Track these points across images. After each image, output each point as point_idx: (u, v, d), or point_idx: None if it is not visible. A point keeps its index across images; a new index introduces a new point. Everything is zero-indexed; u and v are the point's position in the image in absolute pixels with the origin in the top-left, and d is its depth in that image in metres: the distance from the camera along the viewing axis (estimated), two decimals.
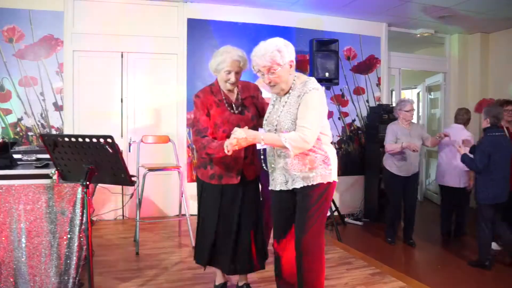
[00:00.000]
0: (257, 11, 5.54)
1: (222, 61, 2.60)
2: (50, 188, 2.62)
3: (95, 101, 5.03)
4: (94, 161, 2.16)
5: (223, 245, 2.77)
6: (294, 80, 2.35)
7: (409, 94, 8.98)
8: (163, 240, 4.31)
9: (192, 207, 5.37)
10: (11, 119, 4.75)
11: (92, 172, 2.17)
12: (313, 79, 2.36)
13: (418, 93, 7.78)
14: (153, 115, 5.29)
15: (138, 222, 3.93)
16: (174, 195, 5.21)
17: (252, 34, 5.49)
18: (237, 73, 2.63)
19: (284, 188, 2.43)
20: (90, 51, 4.98)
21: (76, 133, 4.84)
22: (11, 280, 2.57)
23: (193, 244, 4.02)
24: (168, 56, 5.31)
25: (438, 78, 6.88)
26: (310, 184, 2.33)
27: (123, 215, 5.18)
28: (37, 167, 2.81)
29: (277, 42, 2.29)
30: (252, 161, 2.77)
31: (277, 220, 2.57)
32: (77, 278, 2.67)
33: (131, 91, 5.18)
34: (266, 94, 3.60)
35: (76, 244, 2.65)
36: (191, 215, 5.20)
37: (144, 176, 3.97)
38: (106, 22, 5.02)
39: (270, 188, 2.54)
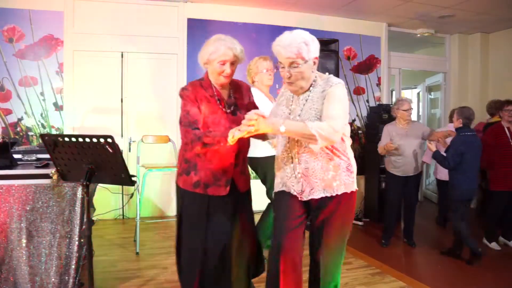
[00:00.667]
0: (257, 11, 5.54)
1: (215, 50, 2.24)
2: (50, 188, 2.62)
3: (95, 101, 5.04)
4: (94, 161, 2.16)
5: (215, 273, 2.34)
6: (315, 78, 2.10)
7: (409, 94, 8.98)
8: (163, 240, 4.31)
9: None
10: (11, 119, 4.75)
11: (92, 172, 2.17)
12: (334, 76, 2.13)
13: (418, 93, 7.78)
14: (153, 115, 5.29)
15: (138, 222, 3.92)
16: (174, 195, 5.20)
17: (252, 34, 5.50)
18: (233, 64, 2.28)
19: (297, 196, 2.13)
20: (90, 51, 4.98)
21: (76, 133, 4.84)
22: (11, 280, 2.57)
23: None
24: (168, 56, 5.31)
25: (438, 78, 6.88)
26: (333, 194, 2.05)
27: (123, 215, 5.18)
28: (37, 167, 2.81)
29: (304, 35, 2.02)
30: (244, 170, 2.44)
31: (279, 225, 2.21)
32: (77, 278, 2.67)
33: (131, 91, 5.18)
34: (256, 97, 3.60)
35: (76, 244, 2.65)
36: None
37: (144, 176, 3.98)
38: (106, 22, 5.03)
39: (275, 190, 2.23)
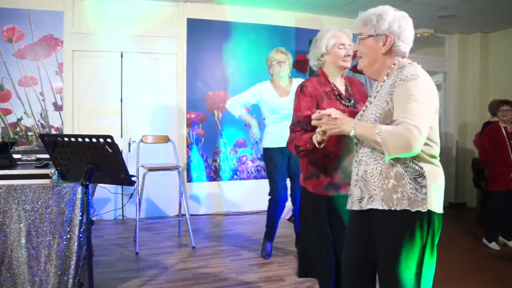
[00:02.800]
0: (257, 11, 5.54)
1: (331, 36, 2.22)
2: (49, 188, 2.62)
3: (95, 101, 5.03)
4: (93, 161, 2.16)
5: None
6: (394, 64, 1.77)
7: None
8: (163, 240, 4.31)
9: (191, 207, 5.39)
10: (11, 119, 4.75)
11: (92, 172, 2.17)
12: (415, 64, 1.75)
13: None
14: (152, 115, 5.29)
15: (138, 222, 3.92)
16: (174, 195, 5.21)
17: (252, 34, 5.50)
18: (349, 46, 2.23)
19: (357, 207, 1.77)
20: (89, 51, 4.98)
21: (75, 133, 4.84)
22: (11, 280, 2.57)
23: (193, 244, 4.03)
24: (168, 56, 5.31)
25: (438, 78, 6.88)
26: (392, 208, 1.63)
27: (123, 215, 5.18)
28: (36, 167, 2.81)
29: (386, 9, 1.72)
30: None
31: (347, 253, 1.87)
32: (77, 278, 2.66)
33: (131, 91, 5.18)
34: (269, 95, 3.65)
35: (75, 244, 2.64)
36: (191, 215, 5.20)
37: (144, 176, 3.97)
38: (106, 22, 5.03)
39: (347, 207, 1.88)
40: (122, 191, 5.12)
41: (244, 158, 5.61)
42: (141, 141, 4.26)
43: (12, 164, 2.89)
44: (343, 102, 2.23)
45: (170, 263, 3.61)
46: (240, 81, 5.50)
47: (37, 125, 4.84)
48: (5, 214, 2.55)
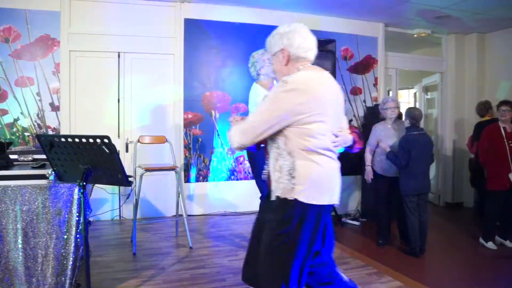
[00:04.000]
0: (254, 11, 5.54)
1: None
2: (46, 188, 2.61)
3: (92, 101, 5.02)
4: (91, 161, 2.15)
5: None
6: (298, 70, 1.98)
7: (406, 94, 9.02)
8: (160, 241, 4.31)
9: (188, 207, 5.38)
10: (8, 119, 4.74)
11: (89, 172, 2.17)
12: (304, 70, 1.96)
13: (415, 93, 7.80)
14: (150, 116, 5.29)
15: (135, 223, 3.92)
16: (171, 195, 5.20)
17: (249, 34, 5.50)
18: None
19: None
20: (86, 51, 4.97)
21: (72, 133, 4.82)
22: (8, 281, 2.56)
23: (191, 245, 4.03)
24: (165, 56, 5.31)
25: (435, 78, 6.90)
26: (272, 198, 1.91)
27: (120, 216, 5.17)
28: (33, 168, 2.80)
29: (277, 30, 2.06)
30: None
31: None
32: (74, 279, 2.66)
33: (128, 91, 5.17)
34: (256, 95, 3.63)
35: (72, 244, 2.64)
36: (188, 215, 5.20)
37: (141, 177, 3.97)
38: (103, 22, 5.02)
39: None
40: (119, 191, 5.11)
41: (242, 159, 5.60)
42: (138, 141, 4.25)
43: (9, 164, 2.88)
44: None
45: (168, 264, 3.61)
46: (237, 81, 5.51)
47: (34, 125, 4.82)
48: (2, 214, 2.54)
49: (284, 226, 1.84)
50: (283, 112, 1.81)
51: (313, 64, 2.05)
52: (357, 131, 2.29)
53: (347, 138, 2.06)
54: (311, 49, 2.03)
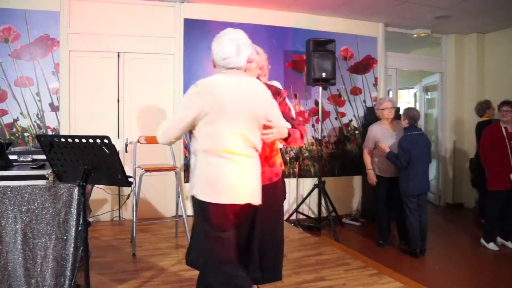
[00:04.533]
0: (254, 11, 5.53)
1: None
2: (46, 189, 2.60)
3: (92, 101, 5.01)
4: (90, 161, 2.14)
5: None
6: None
7: (406, 94, 9.02)
8: (160, 241, 4.29)
9: (189, 208, 5.37)
10: (7, 119, 4.72)
11: (89, 173, 2.16)
12: (219, 74, 2.17)
13: (415, 93, 7.80)
14: (149, 116, 5.27)
15: (135, 223, 3.91)
16: (171, 196, 5.20)
17: (249, 34, 5.47)
18: None
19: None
20: (86, 51, 4.96)
21: (72, 133, 4.81)
22: (7, 282, 2.55)
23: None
24: (164, 56, 5.30)
25: (435, 78, 6.90)
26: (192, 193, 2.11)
27: (119, 216, 5.16)
28: (33, 168, 2.79)
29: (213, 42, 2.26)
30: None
31: None
32: (73, 279, 2.65)
33: (128, 91, 5.16)
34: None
35: (72, 245, 2.63)
36: (188, 216, 5.19)
37: (141, 177, 3.96)
38: (102, 22, 5.01)
39: None
40: (119, 192, 5.10)
41: None
42: (138, 141, 4.24)
43: (8, 165, 2.87)
44: None
45: (167, 265, 3.60)
46: None
47: (34, 125, 4.81)
48: (1, 215, 2.54)
49: (195, 218, 2.17)
50: (188, 112, 2.01)
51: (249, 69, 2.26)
52: (303, 127, 2.39)
53: (282, 130, 2.14)
54: (227, 57, 2.10)
